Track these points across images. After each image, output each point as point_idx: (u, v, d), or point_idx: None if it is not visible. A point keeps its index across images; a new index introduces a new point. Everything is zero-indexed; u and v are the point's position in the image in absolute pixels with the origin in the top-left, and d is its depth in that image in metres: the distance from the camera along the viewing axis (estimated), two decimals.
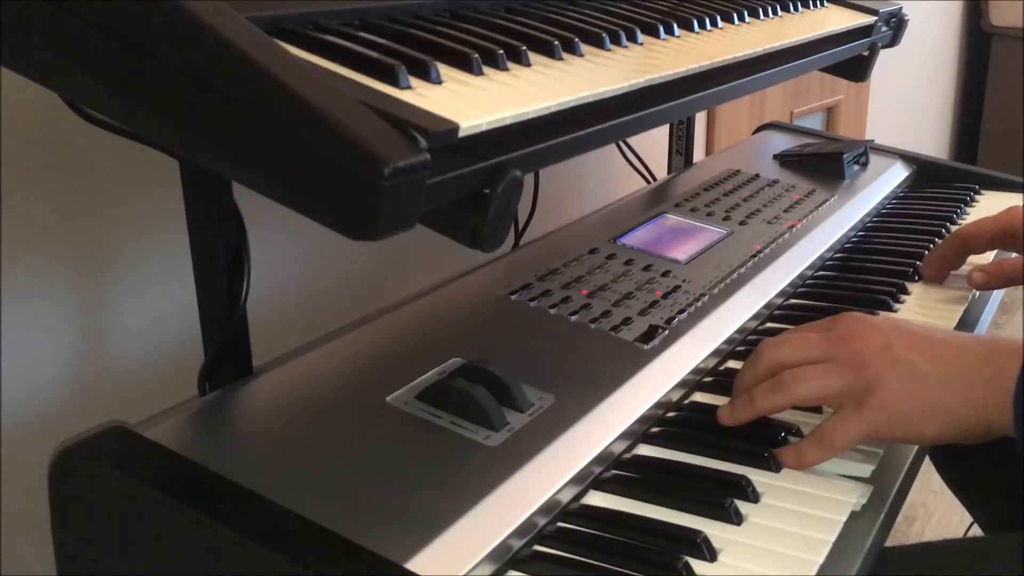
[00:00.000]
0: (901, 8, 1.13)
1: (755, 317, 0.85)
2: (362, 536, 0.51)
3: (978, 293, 0.94)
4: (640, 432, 0.68)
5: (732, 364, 0.80)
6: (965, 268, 0.97)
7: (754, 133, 1.43)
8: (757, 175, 1.18)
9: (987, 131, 3.20)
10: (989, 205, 1.21)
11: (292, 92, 0.42)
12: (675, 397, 0.72)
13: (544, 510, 0.58)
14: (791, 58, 0.86)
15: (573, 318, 0.77)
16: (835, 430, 0.64)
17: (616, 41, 0.68)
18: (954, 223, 1.12)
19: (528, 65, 0.59)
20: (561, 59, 0.61)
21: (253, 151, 0.44)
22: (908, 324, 0.68)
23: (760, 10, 0.91)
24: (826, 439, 0.64)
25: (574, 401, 0.66)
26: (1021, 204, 0.96)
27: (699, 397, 0.75)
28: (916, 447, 0.69)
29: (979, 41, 3.17)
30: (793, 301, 0.92)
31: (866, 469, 0.65)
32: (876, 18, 1.06)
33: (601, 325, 0.76)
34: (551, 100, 0.53)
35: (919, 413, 0.62)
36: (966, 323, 0.90)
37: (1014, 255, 0.95)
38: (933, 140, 3.14)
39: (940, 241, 1.01)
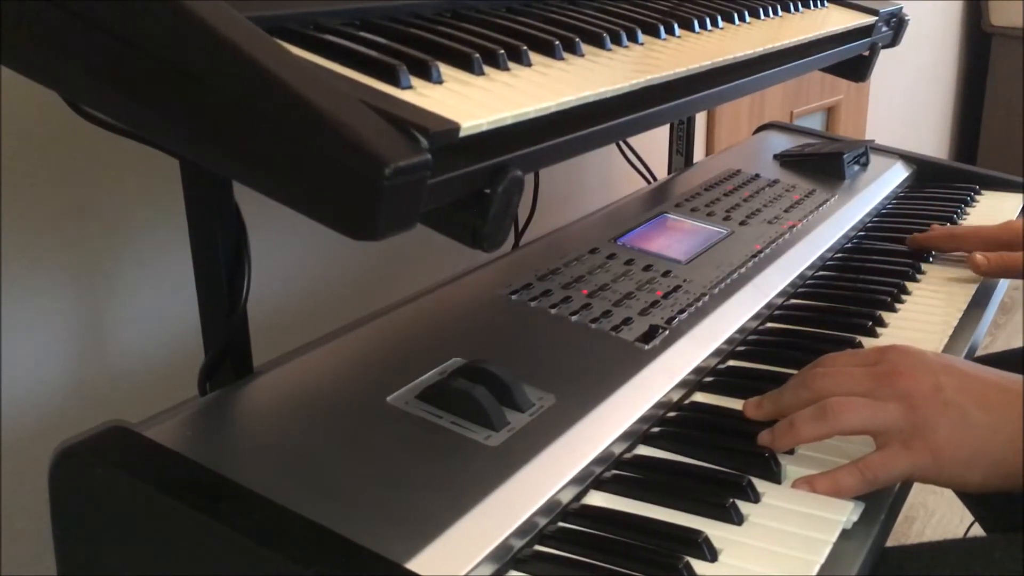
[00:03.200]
0: (901, 8, 1.13)
1: (755, 317, 0.85)
2: (362, 536, 0.51)
3: (973, 292, 0.95)
4: (640, 432, 0.68)
5: (733, 363, 0.80)
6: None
7: (754, 133, 1.43)
8: (757, 175, 1.18)
9: (987, 131, 3.20)
10: (989, 205, 1.21)
11: (293, 92, 0.42)
12: (675, 397, 0.72)
13: (544, 510, 0.58)
14: (791, 58, 0.86)
15: (573, 318, 0.77)
16: (880, 465, 0.62)
17: (617, 41, 0.68)
18: (954, 223, 1.12)
19: (529, 65, 0.59)
20: (562, 59, 0.61)
21: (254, 151, 0.44)
22: (957, 362, 0.67)
23: (760, 10, 0.91)
24: (869, 472, 0.62)
25: (574, 401, 0.66)
26: (1018, 216, 0.97)
27: (699, 397, 0.75)
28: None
29: (979, 41, 3.17)
30: (793, 301, 0.92)
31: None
32: (876, 18, 1.06)
33: (601, 325, 0.76)
34: (552, 100, 0.53)
35: (967, 460, 0.62)
36: (966, 323, 0.90)
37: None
38: (933, 140, 3.14)
39: (937, 228, 1.05)
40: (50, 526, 0.56)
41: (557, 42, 0.62)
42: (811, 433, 0.65)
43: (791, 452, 0.66)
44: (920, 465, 0.62)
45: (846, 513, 0.61)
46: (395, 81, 0.49)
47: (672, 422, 0.71)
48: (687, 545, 0.57)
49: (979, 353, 0.95)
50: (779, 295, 0.90)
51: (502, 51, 0.57)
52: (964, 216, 1.16)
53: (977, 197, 1.23)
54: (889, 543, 0.63)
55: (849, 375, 0.66)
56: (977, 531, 1.17)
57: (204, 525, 0.51)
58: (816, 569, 0.56)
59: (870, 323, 0.85)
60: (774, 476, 0.64)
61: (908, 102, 2.86)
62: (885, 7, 1.10)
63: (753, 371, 0.78)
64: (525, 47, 0.59)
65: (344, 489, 0.55)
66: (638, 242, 0.93)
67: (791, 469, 0.65)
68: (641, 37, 0.70)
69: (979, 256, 0.96)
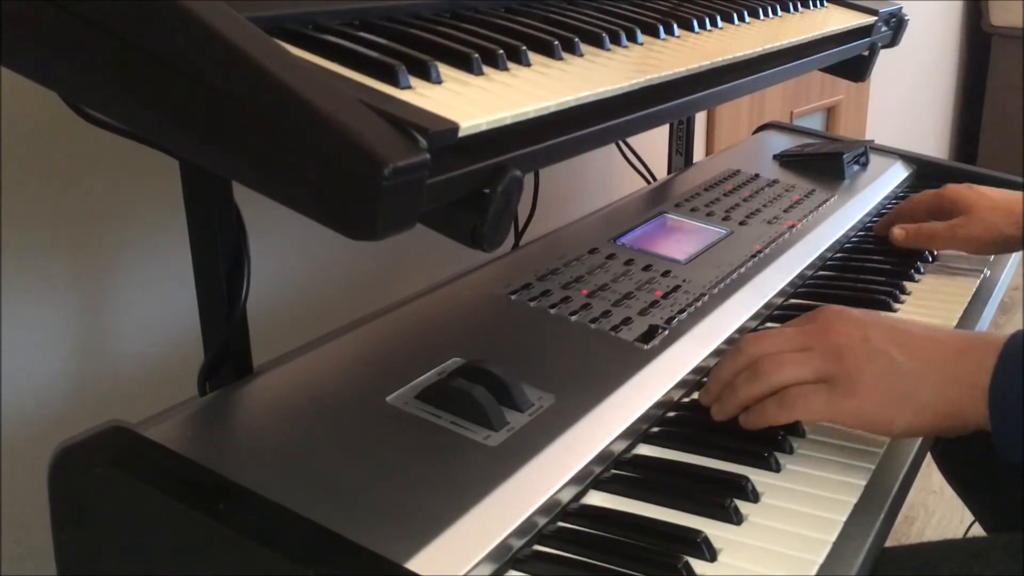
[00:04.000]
0: (901, 8, 1.13)
1: (755, 317, 0.85)
2: (362, 536, 0.51)
3: (973, 292, 0.95)
4: (640, 432, 0.68)
5: None
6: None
7: (754, 133, 1.43)
8: (757, 175, 1.18)
9: (987, 131, 3.20)
10: None
11: (292, 92, 0.42)
12: (675, 397, 0.72)
13: (544, 510, 0.58)
14: (791, 58, 0.86)
15: (573, 318, 0.77)
16: (799, 396, 0.65)
17: (616, 41, 0.68)
18: None
19: (528, 65, 0.59)
20: (561, 59, 0.61)
21: (253, 151, 0.44)
22: (888, 318, 0.69)
23: (760, 10, 0.91)
24: (787, 400, 0.65)
25: (574, 401, 0.66)
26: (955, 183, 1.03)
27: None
28: (916, 445, 0.69)
29: (979, 41, 3.17)
30: (793, 301, 0.92)
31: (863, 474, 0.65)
32: (876, 18, 1.06)
33: (601, 325, 0.76)
34: (551, 100, 0.53)
35: (891, 404, 0.63)
36: (966, 323, 0.90)
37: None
38: (933, 140, 3.14)
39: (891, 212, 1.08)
40: (50, 526, 0.56)
41: (556, 42, 0.62)
42: (749, 393, 0.67)
43: (790, 452, 0.67)
44: (842, 407, 0.64)
45: (846, 513, 0.61)
46: (394, 81, 0.49)
47: (672, 422, 0.71)
48: (687, 545, 0.57)
49: None
50: (778, 295, 0.90)
51: (501, 51, 0.57)
52: None
53: None
54: (889, 543, 0.63)
55: (780, 336, 0.69)
56: (977, 531, 1.17)
57: (204, 525, 0.51)
58: (815, 569, 0.56)
59: None
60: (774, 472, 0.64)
61: (908, 102, 2.86)
62: (885, 7, 1.10)
63: None
64: (524, 47, 0.59)
65: (344, 489, 0.55)
66: (638, 242, 0.93)
67: (791, 467, 0.65)
68: (640, 37, 0.70)
69: (896, 229, 1.01)
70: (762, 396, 0.67)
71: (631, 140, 1.29)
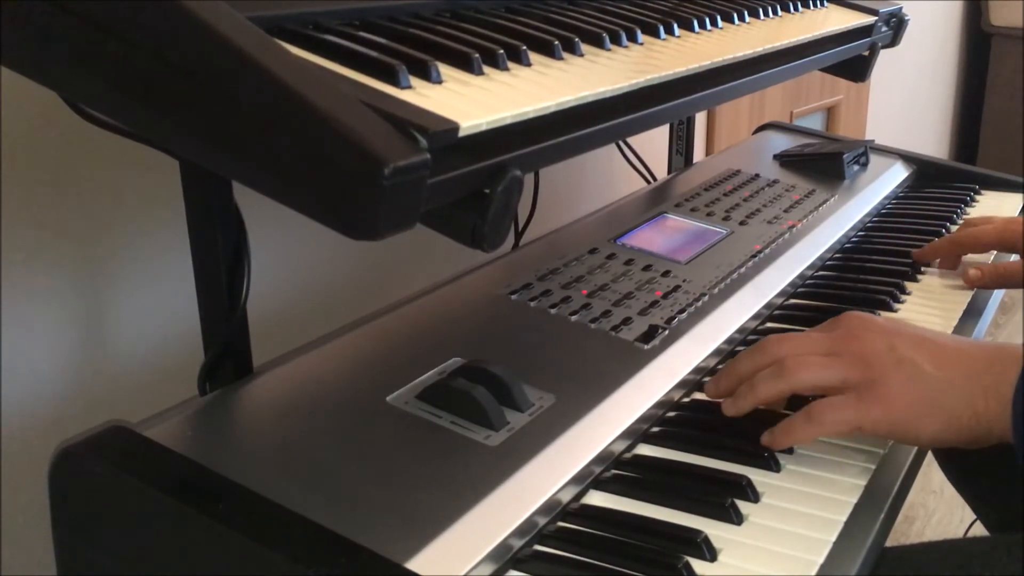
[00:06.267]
0: (901, 8, 1.13)
1: (755, 317, 0.85)
2: (362, 536, 0.51)
3: (973, 292, 0.95)
4: (640, 432, 0.68)
5: None
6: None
7: (754, 133, 1.43)
8: (757, 175, 1.18)
9: (987, 131, 3.20)
10: (989, 205, 1.21)
11: (293, 92, 0.42)
12: (675, 397, 0.72)
13: (544, 510, 0.58)
14: (791, 58, 0.86)
15: (573, 318, 0.77)
16: (828, 408, 0.63)
17: (616, 41, 0.68)
18: (954, 223, 1.12)
19: (528, 65, 0.59)
20: (561, 59, 0.61)
21: (253, 151, 0.44)
22: (912, 327, 0.68)
23: (760, 10, 0.91)
24: (815, 415, 0.63)
25: (574, 401, 0.66)
26: (1021, 212, 0.97)
27: (699, 397, 0.74)
28: (916, 446, 0.69)
29: (979, 41, 3.17)
30: (793, 301, 0.92)
31: (865, 472, 0.65)
32: (876, 18, 1.06)
33: (601, 325, 0.76)
34: (551, 100, 0.53)
35: (919, 413, 0.62)
36: (966, 322, 0.90)
37: (1012, 257, 0.97)
38: (933, 140, 3.14)
39: (941, 239, 1.02)
40: (50, 526, 0.56)
41: (556, 42, 0.62)
42: (770, 391, 0.66)
43: (790, 451, 0.66)
44: (869, 416, 0.63)
45: (846, 513, 0.61)
46: (395, 81, 0.49)
47: (672, 422, 0.71)
48: (687, 545, 0.57)
49: None
50: (779, 295, 0.90)
51: (501, 51, 0.57)
52: (964, 216, 1.16)
53: (977, 197, 1.23)
54: (889, 543, 0.63)
55: (806, 338, 0.68)
56: (977, 531, 1.17)
57: (204, 525, 0.51)
58: (816, 569, 0.56)
59: None
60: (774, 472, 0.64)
61: (908, 102, 2.86)
62: (885, 7, 1.10)
63: None
64: (524, 47, 0.59)
65: (344, 489, 0.55)
66: (638, 242, 0.93)
67: (791, 467, 0.65)
68: (641, 37, 0.70)
69: (972, 271, 0.95)
70: (782, 396, 0.66)
71: (631, 140, 1.29)
